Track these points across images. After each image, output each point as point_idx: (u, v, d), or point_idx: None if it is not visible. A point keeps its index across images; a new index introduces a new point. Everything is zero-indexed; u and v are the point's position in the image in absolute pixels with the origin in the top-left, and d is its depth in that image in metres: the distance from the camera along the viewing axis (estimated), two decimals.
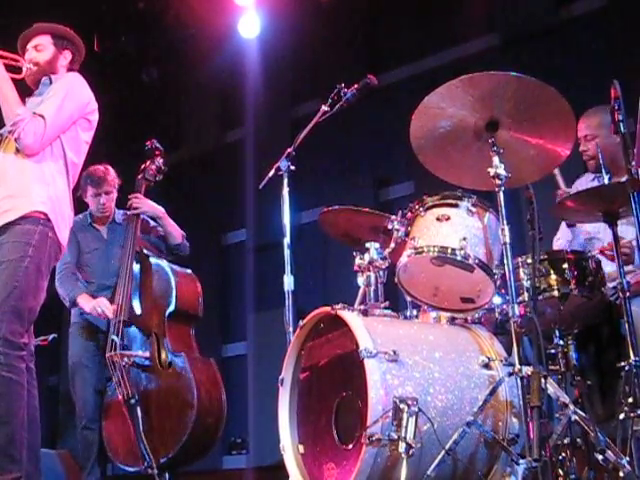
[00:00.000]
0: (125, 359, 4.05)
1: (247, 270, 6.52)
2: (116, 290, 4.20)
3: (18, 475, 2.97)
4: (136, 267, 4.30)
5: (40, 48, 3.55)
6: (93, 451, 4.16)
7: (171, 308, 4.18)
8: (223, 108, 7.22)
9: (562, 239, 3.90)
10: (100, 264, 4.38)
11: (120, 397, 4.01)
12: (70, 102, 3.39)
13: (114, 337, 4.05)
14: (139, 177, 4.54)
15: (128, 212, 4.42)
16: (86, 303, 4.20)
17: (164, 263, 4.34)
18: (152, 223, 4.56)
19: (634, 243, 3.29)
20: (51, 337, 5.26)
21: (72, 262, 4.33)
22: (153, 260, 4.32)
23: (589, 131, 3.72)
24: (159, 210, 4.49)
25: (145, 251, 4.34)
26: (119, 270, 4.25)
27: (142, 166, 4.58)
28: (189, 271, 4.45)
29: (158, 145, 4.63)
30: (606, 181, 3.34)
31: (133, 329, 4.20)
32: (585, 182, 3.85)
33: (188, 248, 4.56)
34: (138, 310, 4.26)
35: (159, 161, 4.60)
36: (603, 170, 3.39)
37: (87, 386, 4.24)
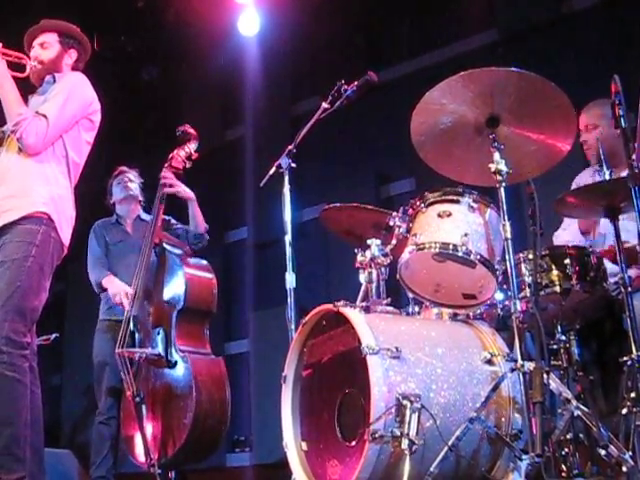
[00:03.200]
0: (137, 355, 4.07)
1: (249, 268, 6.52)
2: (132, 283, 4.25)
3: (22, 474, 2.98)
4: (154, 260, 4.30)
5: (46, 46, 3.56)
6: (106, 446, 4.21)
7: (181, 305, 4.16)
8: (223, 106, 7.22)
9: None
10: (125, 257, 4.48)
11: (128, 394, 4.03)
12: (73, 102, 3.39)
13: (123, 333, 4.07)
14: (165, 165, 4.53)
15: (163, 190, 4.40)
16: (111, 285, 4.35)
17: (180, 258, 4.28)
18: (173, 221, 4.60)
19: (638, 248, 3.28)
20: (53, 336, 5.29)
21: (101, 254, 4.53)
22: (169, 255, 4.30)
23: (590, 121, 3.74)
24: (191, 193, 4.51)
25: (165, 244, 4.32)
26: (137, 262, 4.27)
27: (170, 154, 4.55)
28: (205, 262, 4.41)
29: (191, 130, 4.59)
30: (607, 176, 3.33)
31: (145, 325, 4.20)
32: (586, 177, 3.86)
33: (206, 242, 4.57)
34: (150, 306, 4.26)
35: (190, 147, 4.56)
36: (603, 162, 3.39)
37: (107, 383, 4.28)
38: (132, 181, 4.70)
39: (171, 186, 4.44)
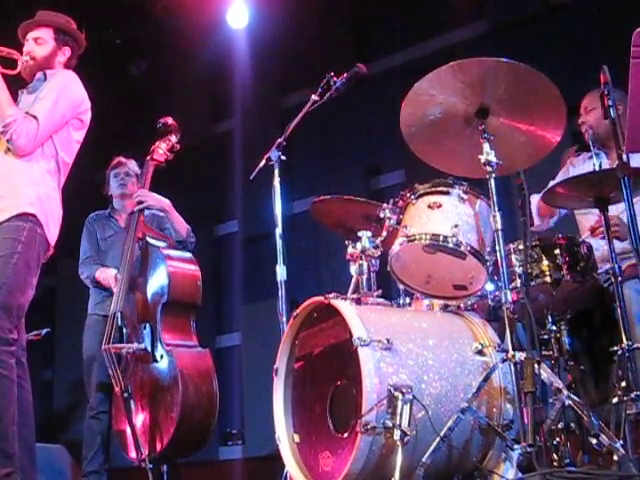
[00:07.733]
0: (123, 351, 4.05)
1: (239, 261, 6.52)
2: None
3: (11, 470, 2.97)
4: (138, 255, 4.27)
5: (40, 42, 3.51)
6: (97, 441, 4.19)
7: (165, 299, 4.12)
8: (212, 99, 7.19)
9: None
10: (114, 250, 4.45)
11: (117, 389, 4.01)
12: (63, 102, 3.36)
13: (110, 329, 4.05)
14: (147, 158, 4.47)
15: (134, 209, 4.32)
16: (102, 274, 4.37)
17: (162, 251, 4.24)
18: (159, 214, 4.53)
19: (623, 219, 3.29)
20: (44, 331, 5.26)
21: (92, 251, 4.52)
22: (152, 248, 4.25)
23: (590, 103, 3.77)
24: (165, 203, 4.41)
25: (148, 238, 4.28)
26: (120, 261, 4.24)
27: (151, 146, 4.50)
28: (188, 255, 4.35)
29: (172, 121, 4.53)
30: (597, 164, 3.33)
31: (132, 320, 4.18)
32: (582, 160, 3.87)
33: (194, 244, 4.49)
34: (135, 300, 4.22)
35: (172, 139, 4.51)
36: (592, 147, 3.44)
37: (97, 378, 4.26)
38: (129, 175, 4.66)
39: (140, 202, 4.33)
